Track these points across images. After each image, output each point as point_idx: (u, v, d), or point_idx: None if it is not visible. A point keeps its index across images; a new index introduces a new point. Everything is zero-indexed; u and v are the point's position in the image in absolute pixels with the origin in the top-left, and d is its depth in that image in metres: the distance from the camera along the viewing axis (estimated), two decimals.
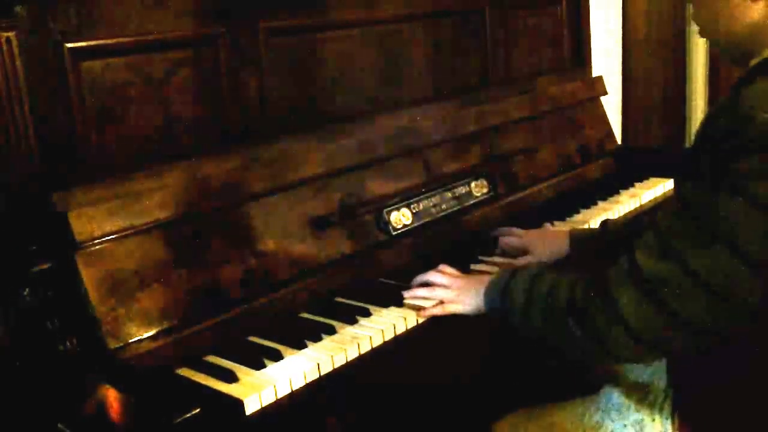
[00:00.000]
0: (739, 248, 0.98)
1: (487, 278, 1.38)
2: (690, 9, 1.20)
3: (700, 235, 1.01)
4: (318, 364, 1.26)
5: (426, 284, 1.47)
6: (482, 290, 1.36)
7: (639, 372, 1.40)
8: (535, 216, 1.92)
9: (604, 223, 1.69)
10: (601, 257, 1.59)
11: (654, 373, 1.36)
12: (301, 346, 1.32)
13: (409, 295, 1.47)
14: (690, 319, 1.03)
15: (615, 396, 1.34)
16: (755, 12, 1.08)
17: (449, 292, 1.42)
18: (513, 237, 1.71)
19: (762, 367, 1.10)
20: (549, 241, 1.67)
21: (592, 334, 1.11)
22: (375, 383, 1.40)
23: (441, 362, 1.58)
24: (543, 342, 1.23)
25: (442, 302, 1.42)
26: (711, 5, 1.13)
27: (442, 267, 1.50)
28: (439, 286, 1.45)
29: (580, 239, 1.65)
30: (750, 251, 0.98)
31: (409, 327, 1.41)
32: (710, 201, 1.01)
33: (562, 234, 1.69)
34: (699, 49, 3.21)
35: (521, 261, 1.63)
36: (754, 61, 1.09)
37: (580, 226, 1.84)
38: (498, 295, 1.31)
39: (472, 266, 1.64)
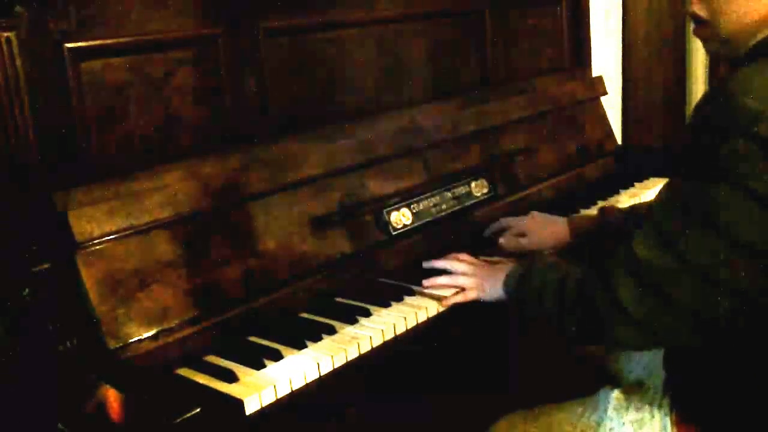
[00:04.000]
0: (728, 232, 0.99)
1: (506, 266, 1.41)
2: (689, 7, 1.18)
3: (690, 221, 1.02)
4: (318, 364, 1.27)
5: (445, 272, 1.49)
6: (502, 278, 1.38)
7: (637, 370, 1.41)
8: None
9: (602, 212, 1.69)
10: (602, 245, 1.60)
11: (652, 370, 1.36)
12: (301, 346, 1.32)
13: (429, 283, 1.49)
14: (685, 304, 1.04)
15: (613, 395, 1.34)
16: (764, 6, 1.08)
17: (471, 280, 1.45)
18: (511, 231, 1.71)
19: (761, 363, 1.10)
20: (550, 229, 1.68)
21: (598, 322, 1.14)
22: (375, 383, 1.40)
23: (440, 362, 1.58)
24: (557, 329, 1.25)
25: (463, 289, 1.44)
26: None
27: (461, 255, 1.52)
28: (460, 273, 1.46)
29: (581, 228, 1.67)
30: (739, 234, 0.98)
31: (409, 327, 1.41)
32: (699, 186, 1.02)
33: (562, 222, 1.70)
34: (699, 49, 3.21)
35: (522, 241, 1.65)
36: (742, 50, 1.10)
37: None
38: (515, 282, 1.34)
39: None
